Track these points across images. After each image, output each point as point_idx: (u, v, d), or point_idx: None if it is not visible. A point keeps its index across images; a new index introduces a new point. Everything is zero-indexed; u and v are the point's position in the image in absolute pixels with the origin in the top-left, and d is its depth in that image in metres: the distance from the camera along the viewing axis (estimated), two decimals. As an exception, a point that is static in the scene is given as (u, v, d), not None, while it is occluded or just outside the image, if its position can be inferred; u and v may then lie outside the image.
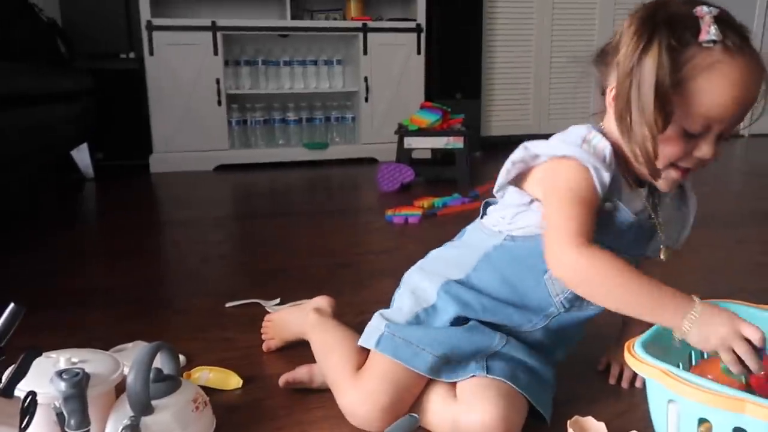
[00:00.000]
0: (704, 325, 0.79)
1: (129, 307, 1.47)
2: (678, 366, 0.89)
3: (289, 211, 2.53)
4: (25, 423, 0.80)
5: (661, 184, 0.91)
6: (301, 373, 1.07)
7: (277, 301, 1.44)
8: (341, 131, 3.46)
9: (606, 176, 0.87)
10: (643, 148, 0.82)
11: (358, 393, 0.94)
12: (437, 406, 0.94)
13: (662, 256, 0.99)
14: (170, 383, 0.93)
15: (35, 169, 2.61)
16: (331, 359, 1.03)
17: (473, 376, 0.93)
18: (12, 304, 0.78)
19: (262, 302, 1.45)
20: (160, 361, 0.96)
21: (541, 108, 4.04)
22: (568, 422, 0.93)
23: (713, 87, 0.80)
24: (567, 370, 1.16)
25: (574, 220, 0.85)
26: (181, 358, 1.13)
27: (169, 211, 2.59)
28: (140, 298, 1.56)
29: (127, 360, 0.99)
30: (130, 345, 1.21)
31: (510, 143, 1.06)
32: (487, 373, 0.92)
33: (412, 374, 0.93)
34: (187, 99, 3.05)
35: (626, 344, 0.90)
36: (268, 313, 1.32)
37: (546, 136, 0.95)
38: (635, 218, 0.93)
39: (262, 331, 1.27)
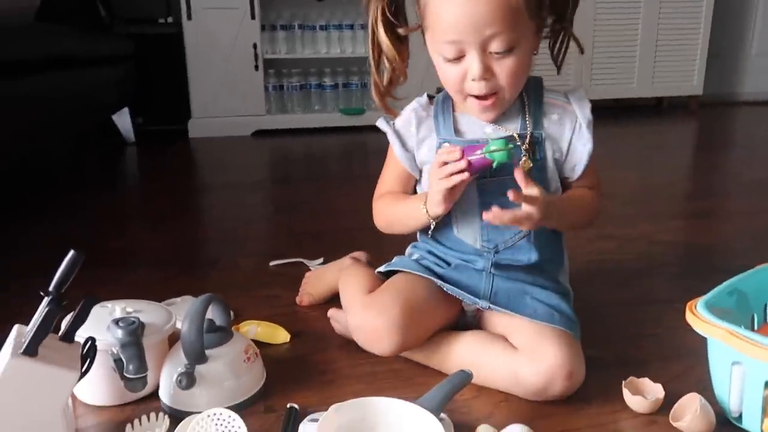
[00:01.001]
0: (429, 196, 0.95)
1: (175, 266, 1.49)
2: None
3: (327, 175, 2.52)
4: (85, 367, 0.81)
5: (478, 116, 0.97)
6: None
7: (321, 260, 1.44)
8: (378, 97, 3.43)
9: (409, 131, 1.03)
10: (373, 80, 0.99)
11: (370, 309, 0.97)
12: (496, 360, 0.94)
13: (521, 164, 0.96)
14: (222, 334, 0.94)
15: (78, 132, 2.65)
16: (349, 287, 1.07)
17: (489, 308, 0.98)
18: (72, 251, 0.79)
19: (305, 261, 1.45)
20: (212, 313, 0.96)
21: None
22: (623, 383, 0.91)
23: (439, 8, 0.89)
24: (620, 332, 1.14)
25: (379, 182, 1.10)
26: (231, 314, 1.15)
27: (208, 175, 2.61)
28: (185, 257, 1.58)
29: (179, 313, 1.01)
30: (178, 300, 1.23)
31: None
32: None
33: (423, 290, 0.99)
34: (224, 64, 3.05)
35: (689, 305, 0.87)
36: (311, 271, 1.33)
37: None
38: (478, 139, 0.97)
39: (301, 286, 1.29)
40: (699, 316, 0.83)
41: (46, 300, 0.78)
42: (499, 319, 0.99)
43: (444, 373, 0.97)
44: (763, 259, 1.01)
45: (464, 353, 0.97)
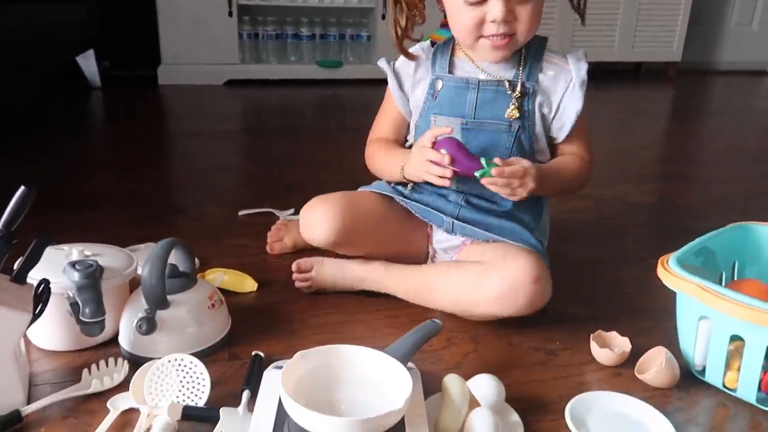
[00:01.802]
0: (409, 165, 0.98)
1: (141, 212, 1.45)
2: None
3: (302, 128, 2.46)
4: (38, 309, 0.78)
5: (486, 56, 0.97)
6: (308, 261, 1.09)
7: (291, 211, 1.41)
8: (356, 50, 3.33)
9: (407, 72, 1.04)
10: (391, 23, 1.00)
11: (316, 201, 1.03)
12: (464, 275, 0.96)
13: (506, 114, 0.97)
14: (185, 280, 0.90)
15: (39, 71, 2.53)
16: None
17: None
18: (22, 187, 0.75)
19: (275, 212, 1.42)
20: (175, 258, 0.93)
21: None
22: (591, 336, 0.91)
23: None
24: (591, 288, 1.14)
25: (374, 125, 1.11)
26: (195, 261, 1.11)
27: (179, 123, 2.52)
28: (152, 204, 1.53)
29: (141, 259, 0.97)
30: (142, 246, 1.19)
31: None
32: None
33: (379, 204, 1.05)
34: (196, 8, 2.92)
35: (660, 260, 0.87)
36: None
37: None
38: (468, 78, 0.99)
39: (269, 234, 1.26)
40: (670, 271, 0.83)
41: (-6, 238, 0.73)
42: (468, 254, 1.01)
43: (414, 303, 1.01)
44: (733, 221, 1.01)
45: (431, 272, 1.01)
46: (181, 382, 0.77)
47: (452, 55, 1.02)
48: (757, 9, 3.92)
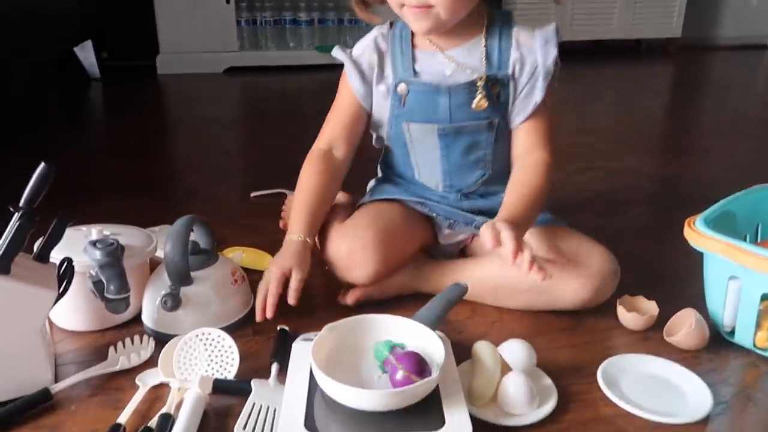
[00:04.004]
0: (278, 255, 0.93)
1: (152, 198, 1.43)
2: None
3: (305, 112, 2.44)
4: (63, 288, 0.77)
5: (413, 26, 0.90)
6: (369, 290, 0.97)
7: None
8: (354, 34, 3.30)
9: (368, 62, 0.95)
10: None
11: (344, 236, 0.94)
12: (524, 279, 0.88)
13: (474, 105, 0.92)
14: (207, 256, 0.90)
15: (37, 63, 2.50)
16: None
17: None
18: (42, 164, 0.73)
19: (287, 192, 1.40)
20: (195, 235, 0.92)
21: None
22: (618, 301, 0.91)
23: None
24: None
25: (324, 126, 1.02)
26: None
27: (180, 111, 2.50)
28: (162, 190, 1.52)
29: (159, 241, 0.96)
30: (157, 229, 1.17)
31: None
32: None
33: (396, 214, 0.97)
34: (193, -5, 2.90)
35: (687, 221, 0.86)
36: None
37: None
38: (438, 84, 0.91)
39: (282, 211, 1.25)
40: (698, 232, 0.82)
41: (16, 215, 0.72)
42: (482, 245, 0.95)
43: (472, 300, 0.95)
44: (748, 188, 1.00)
45: (485, 278, 0.93)
46: (210, 356, 0.77)
47: (413, 47, 0.94)
48: (755, -18, 3.90)
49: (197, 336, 0.77)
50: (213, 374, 0.76)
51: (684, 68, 3.47)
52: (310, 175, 0.98)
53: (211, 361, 0.77)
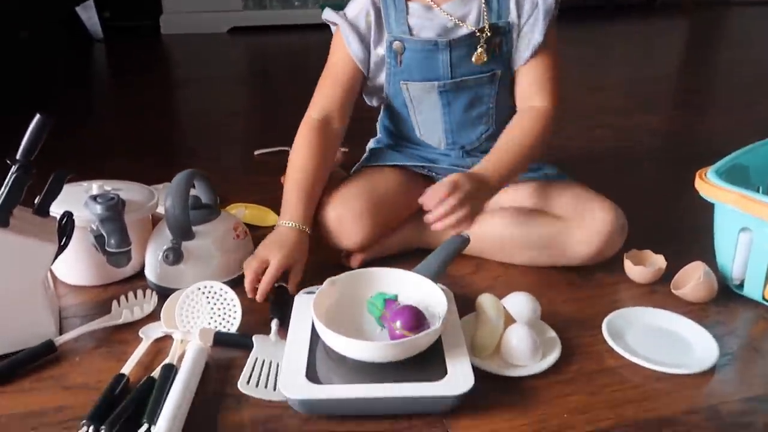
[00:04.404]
0: (269, 238, 0.86)
1: (154, 157, 1.42)
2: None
3: (309, 73, 2.40)
4: (63, 241, 0.76)
5: None
6: (370, 251, 0.95)
7: (308, 149, 1.38)
8: (360, -7, 3.23)
9: (364, 22, 0.89)
10: None
11: (333, 203, 0.90)
12: (535, 231, 0.90)
13: (473, 59, 0.89)
14: (209, 211, 0.89)
15: (40, 22, 2.46)
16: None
17: None
18: (38, 115, 0.72)
19: (290, 150, 1.39)
20: (197, 190, 0.91)
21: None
22: (625, 254, 0.89)
23: None
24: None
25: (316, 92, 0.96)
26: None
27: (184, 71, 2.46)
28: (165, 149, 1.51)
29: (162, 196, 0.95)
30: (160, 186, 1.16)
31: None
32: None
33: (388, 179, 0.94)
34: (195, -48, 2.83)
35: (698, 173, 0.84)
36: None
37: None
38: (437, 40, 0.87)
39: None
40: (710, 183, 0.80)
41: (13, 168, 0.71)
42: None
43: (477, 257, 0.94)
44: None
45: (490, 233, 0.91)
46: (212, 308, 0.77)
47: (407, 1, 0.90)
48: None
49: (199, 289, 0.77)
50: (216, 327, 0.76)
51: (699, 25, 3.37)
52: (304, 152, 0.91)
53: (214, 314, 0.77)
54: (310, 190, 0.89)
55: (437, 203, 0.79)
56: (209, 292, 0.77)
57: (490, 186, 0.83)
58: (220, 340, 0.74)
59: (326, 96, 0.94)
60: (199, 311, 0.77)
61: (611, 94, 1.92)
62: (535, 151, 0.88)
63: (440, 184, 0.80)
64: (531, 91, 0.91)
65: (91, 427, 0.60)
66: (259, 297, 0.81)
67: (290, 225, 0.86)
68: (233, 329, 0.76)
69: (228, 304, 0.77)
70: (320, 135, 0.92)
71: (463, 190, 0.78)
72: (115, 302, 0.82)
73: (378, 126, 1.08)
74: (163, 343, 0.76)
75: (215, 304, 0.77)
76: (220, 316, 0.77)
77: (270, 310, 0.80)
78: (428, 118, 0.95)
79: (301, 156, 0.92)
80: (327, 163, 0.93)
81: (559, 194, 0.91)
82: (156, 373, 0.68)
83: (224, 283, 0.82)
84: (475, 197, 0.80)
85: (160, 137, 1.59)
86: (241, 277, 0.89)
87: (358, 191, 0.91)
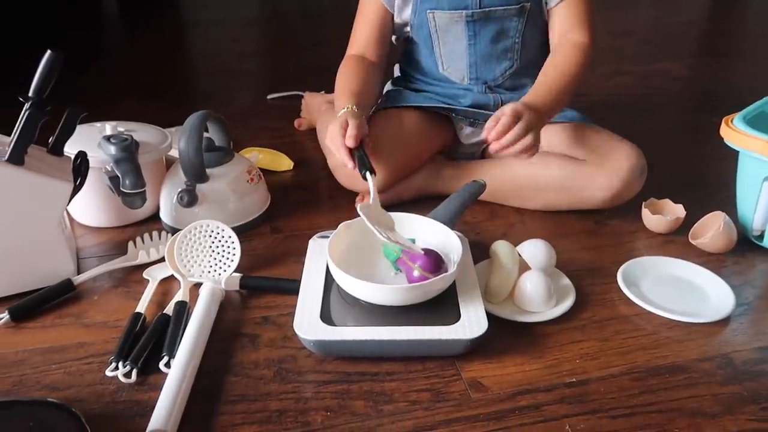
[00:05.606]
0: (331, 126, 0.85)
1: (167, 100, 1.41)
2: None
3: (324, 12, 2.34)
4: (78, 181, 0.76)
5: None
6: (387, 195, 0.94)
7: (322, 93, 1.35)
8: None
9: None
10: None
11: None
12: (555, 175, 0.90)
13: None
14: (223, 153, 0.88)
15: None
16: (326, 130, 0.91)
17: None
18: (48, 51, 0.71)
19: (304, 94, 1.36)
20: (211, 133, 0.90)
21: None
22: (643, 203, 0.88)
23: None
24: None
25: (352, 34, 0.98)
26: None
27: (195, 11, 2.41)
28: (177, 91, 1.49)
29: (175, 139, 0.94)
30: (173, 129, 1.15)
31: None
32: None
33: (406, 122, 0.93)
34: None
35: (724, 119, 0.81)
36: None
37: None
38: None
39: (301, 112, 1.25)
40: (736, 129, 0.78)
41: (26, 105, 0.70)
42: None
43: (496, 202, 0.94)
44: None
45: (509, 177, 0.91)
46: (211, 247, 0.76)
47: None
48: None
49: (196, 228, 0.76)
50: (216, 264, 0.75)
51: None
52: (349, 74, 0.93)
53: (214, 251, 0.76)
54: (359, 89, 0.90)
55: (502, 132, 0.77)
56: (206, 230, 0.76)
57: (542, 116, 0.82)
58: (245, 284, 0.74)
59: (360, 37, 0.98)
60: (198, 250, 0.75)
61: (633, 40, 1.86)
62: (578, 83, 0.88)
63: (502, 114, 0.78)
64: (570, 24, 0.89)
65: (120, 363, 0.62)
66: (352, 142, 0.80)
67: (348, 107, 0.86)
68: (233, 266, 0.75)
69: (227, 242, 0.76)
70: (361, 64, 0.95)
71: (526, 118, 0.78)
72: (131, 243, 0.82)
73: (396, 67, 1.05)
74: (169, 283, 0.76)
75: (213, 242, 0.76)
76: (219, 254, 0.76)
77: (359, 166, 0.79)
78: (453, 51, 0.93)
79: (346, 77, 0.93)
80: (370, 87, 0.94)
81: (582, 136, 0.89)
82: (168, 309, 0.69)
83: (239, 226, 0.82)
84: (536, 126, 0.79)
85: (171, 79, 1.57)
86: (257, 219, 0.89)
87: (376, 134, 0.90)
